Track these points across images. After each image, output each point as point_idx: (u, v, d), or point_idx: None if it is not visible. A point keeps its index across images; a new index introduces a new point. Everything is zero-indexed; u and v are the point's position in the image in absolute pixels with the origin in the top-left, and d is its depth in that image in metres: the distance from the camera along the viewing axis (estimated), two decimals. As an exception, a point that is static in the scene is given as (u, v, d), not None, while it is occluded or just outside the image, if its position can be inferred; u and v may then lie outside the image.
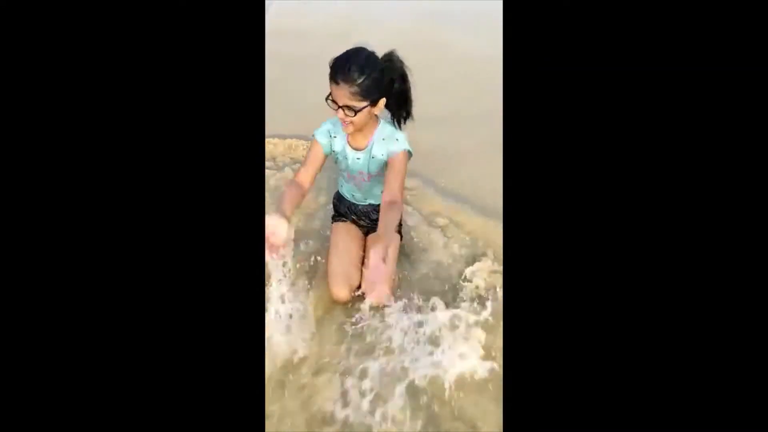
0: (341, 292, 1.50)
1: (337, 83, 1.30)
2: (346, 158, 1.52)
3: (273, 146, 2.36)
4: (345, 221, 1.71)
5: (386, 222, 1.32)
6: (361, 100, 1.32)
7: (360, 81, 1.29)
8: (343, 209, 1.72)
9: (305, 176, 1.48)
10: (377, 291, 1.27)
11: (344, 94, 1.30)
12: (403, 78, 1.42)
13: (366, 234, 1.70)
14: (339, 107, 1.33)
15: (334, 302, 1.53)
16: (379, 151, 1.47)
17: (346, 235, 1.65)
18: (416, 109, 1.52)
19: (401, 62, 1.40)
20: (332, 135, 1.51)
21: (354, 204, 1.68)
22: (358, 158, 1.51)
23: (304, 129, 2.00)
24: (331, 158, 1.58)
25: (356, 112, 1.33)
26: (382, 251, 1.15)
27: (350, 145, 1.50)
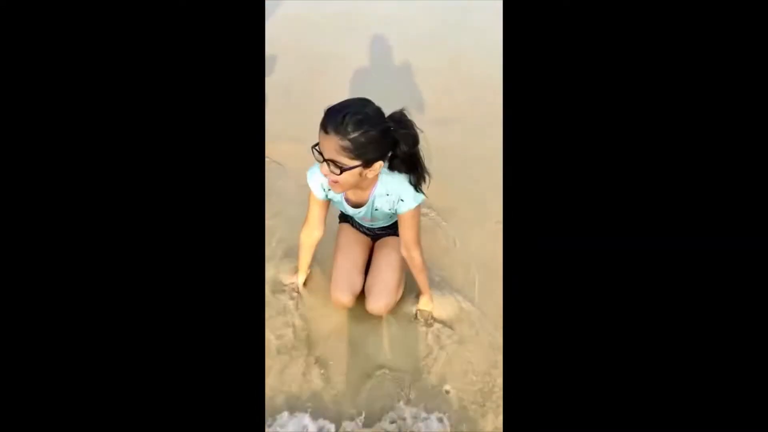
0: (344, 298, 1.51)
1: (326, 132, 1.12)
2: (345, 210, 1.48)
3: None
4: (350, 224, 1.67)
5: (423, 286, 1.53)
6: (351, 159, 1.14)
7: (353, 136, 1.11)
8: (348, 219, 1.67)
9: (313, 228, 1.48)
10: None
11: (332, 146, 1.12)
12: (414, 141, 1.24)
13: (372, 238, 1.67)
14: (324, 160, 1.16)
15: (336, 307, 1.57)
16: (384, 205, 1.38)
17: (354, 238, 1.63)
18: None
19: (411, 123, 1.23)
20: (325, 187, 1.36)
21: (358, 223, 1.64)
22: (359, 212, 1.45)
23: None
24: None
25: (342, 170, 1.16)
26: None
27: (348, 201, 1.42)
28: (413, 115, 1.26)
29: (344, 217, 1.69)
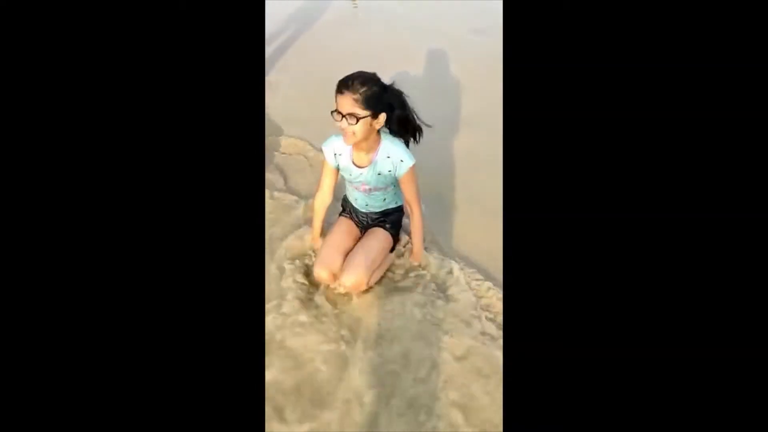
0: (321, 273, 1.78)
1: (341, 92, 1.53)
2: (350, 174, 1.77)
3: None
4: (347, 217, 1.96)
5: (417, 246, 1.85)
6: (363, 109, 1.53)
7: (362, 90, 1.52)
8: (347, 209, 1.97)
9: (325, 194, 1.84)
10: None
11: (348, 102, 1.52)
12: (403, 105, 1.64)
13: (362, 230, 1.94)
14: (342, 116, 1.54)
15: (317, 280, 1.83)
16: (385, 168, 1.72)
17: (345, 227, 1.91)
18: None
19: (399, 92, 1.63)
20: (337, 153, 1.74)
21: (355, 208, 1.92)
22: (360, 173, 1.75)
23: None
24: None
25: (358, 119, 1.53)
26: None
27: (354, 163, 1.73)
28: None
29: (342, 213, 1.97)
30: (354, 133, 1.56)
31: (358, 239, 1.89)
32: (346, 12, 4.40)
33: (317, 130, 2.46)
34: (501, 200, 2.00)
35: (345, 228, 1.90)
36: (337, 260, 1.78)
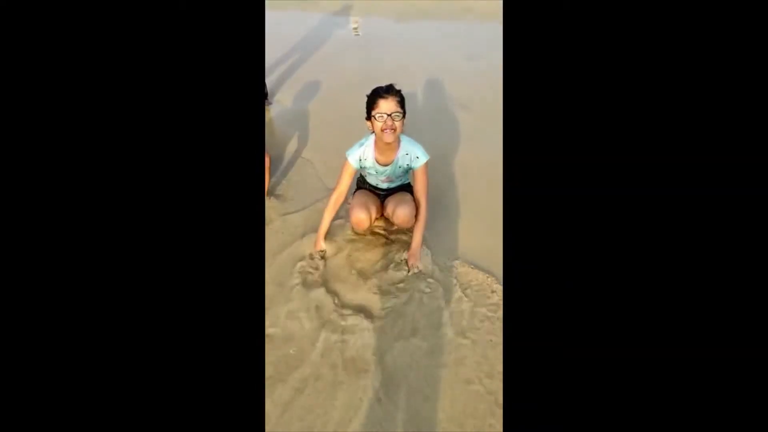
0: (360, 214, 2.02)
1: (385, 97, 1.82)
2: (376, 171, 2.05)
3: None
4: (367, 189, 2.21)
5: (416, 240, 1.98)
6: (402, 108, 1.85)
7: (399, 94, 1.85)
8: (367, 186, 2.22)
9: (341, 191, 2.03)
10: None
11: (393, 103, 1.81)
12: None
13: (382, 200, 2.20)
14: (388, 116, 1.80)
15: (355, 230, 2.12)
16: (404, 163, 2.02)
17: (368, 193, 2.19)
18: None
19: None
20: (362, 158, 2.00)
21: (375, 187, 2.20)
22: (385, 170, 2.04)
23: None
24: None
25: (402, 115, 1.83)
26: (414, 261, 1.93)
27: (378, 162, 2.01)
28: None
29: (360, 185, 2.24)
30: (395, 130, 1.83)
31: (380, 206, 2.16)
32: (348, 39, 4.76)
33: (321, 146, 2.62)
34: (501, 204, 2.20)
35: (368, 193, 2.17)
36: (372, 206, 2.07)
